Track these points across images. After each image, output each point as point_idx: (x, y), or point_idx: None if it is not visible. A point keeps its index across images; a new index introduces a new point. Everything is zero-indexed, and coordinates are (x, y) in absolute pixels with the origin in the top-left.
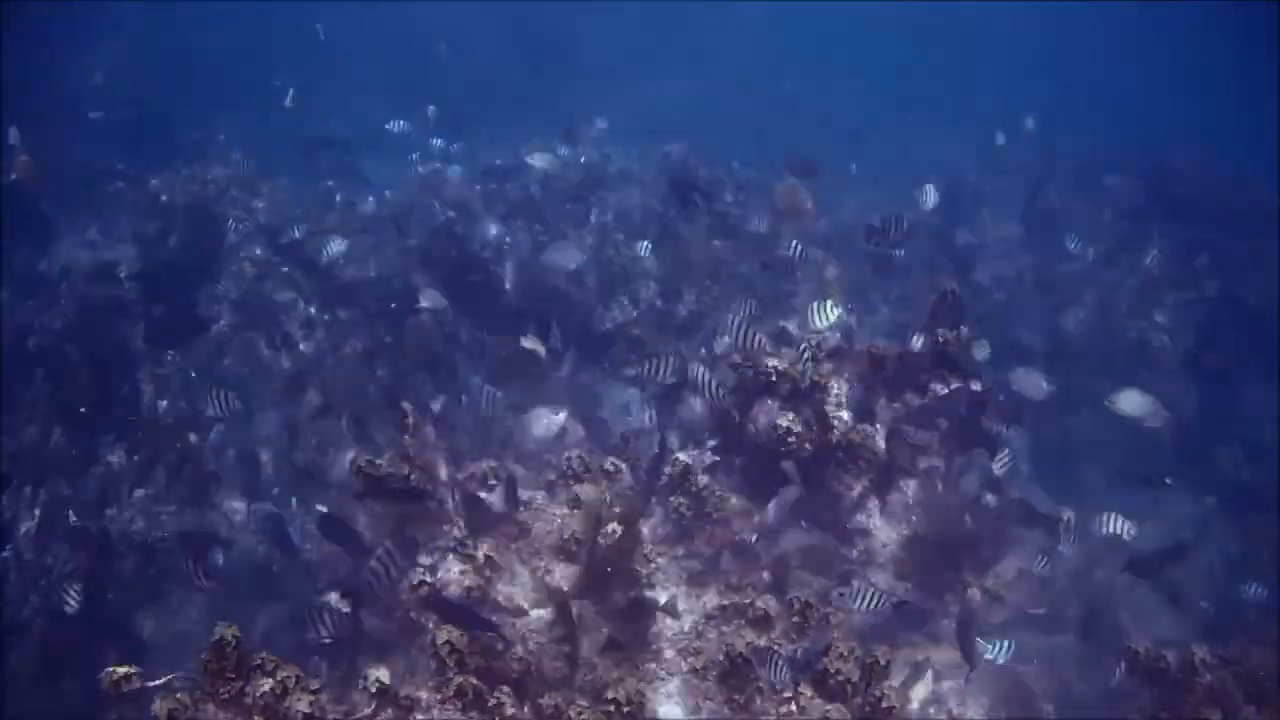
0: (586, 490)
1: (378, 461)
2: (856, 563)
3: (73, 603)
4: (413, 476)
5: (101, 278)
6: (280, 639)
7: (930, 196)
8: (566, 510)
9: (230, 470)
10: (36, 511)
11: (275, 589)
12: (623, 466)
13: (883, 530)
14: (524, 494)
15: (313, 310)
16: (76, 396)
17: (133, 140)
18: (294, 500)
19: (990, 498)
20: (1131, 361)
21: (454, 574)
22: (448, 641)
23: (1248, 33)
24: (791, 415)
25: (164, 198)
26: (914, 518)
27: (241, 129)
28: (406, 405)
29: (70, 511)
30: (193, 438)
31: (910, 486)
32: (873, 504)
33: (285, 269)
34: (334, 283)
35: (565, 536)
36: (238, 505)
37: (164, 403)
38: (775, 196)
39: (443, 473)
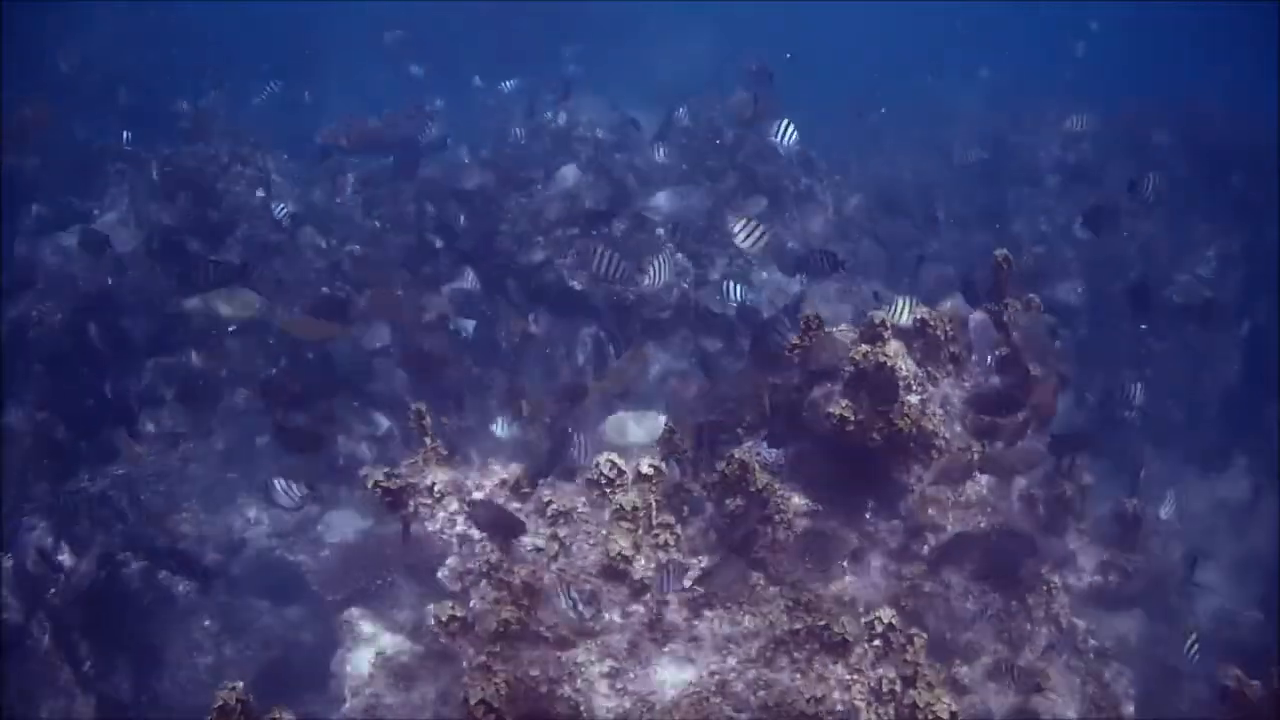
0: (628, 499)
1: (396, 473)
2: (927, 560)
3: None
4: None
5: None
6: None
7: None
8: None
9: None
10: (38, 516)
11: (290, 591)
12: (661, 466)
13: (955, 525)
14: (561, 501)
15: None
16: (78, 391)
17: (134, 121)
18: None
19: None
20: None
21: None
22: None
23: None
24: (846, 402)
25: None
26: (988, 511)
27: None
28: (420, 406)
29: (76, 515)
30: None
31: (984, 477)
32: (946, 495)
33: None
34: None
35: (612, 554)
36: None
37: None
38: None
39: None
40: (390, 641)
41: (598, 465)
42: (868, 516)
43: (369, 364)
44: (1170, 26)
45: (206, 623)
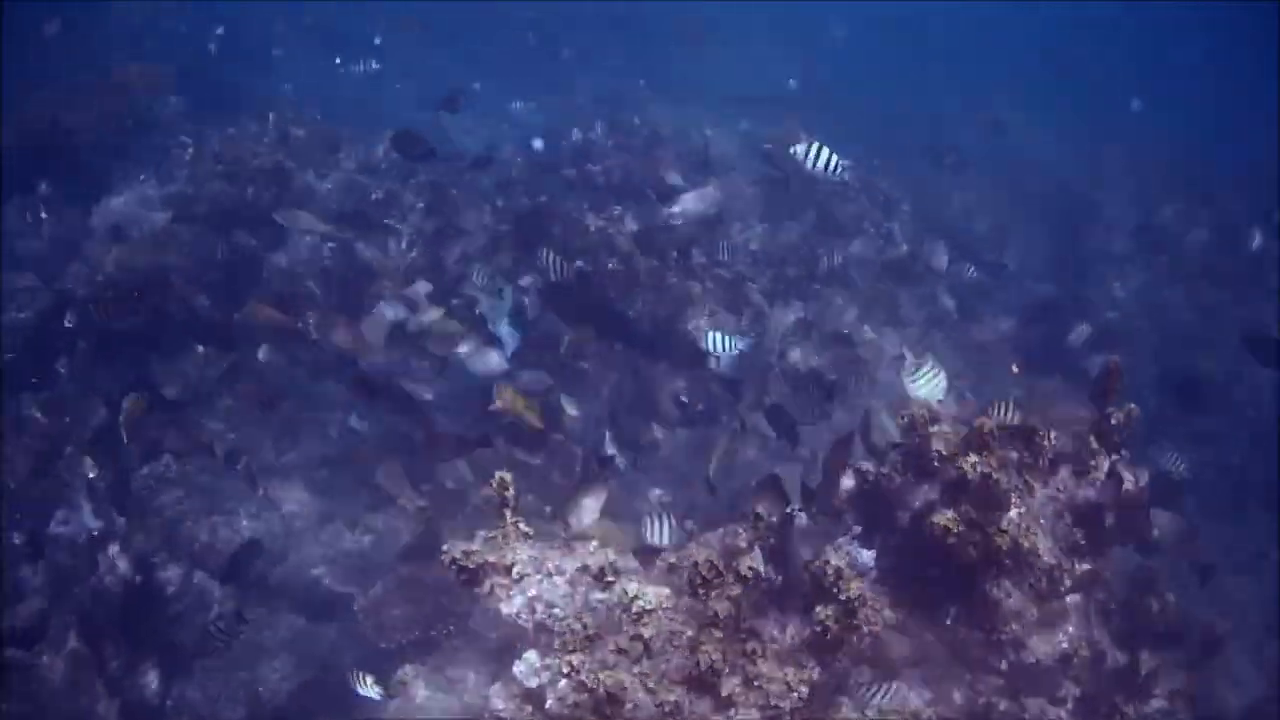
0: (724, 607)
1: (475, 551)
2: (1007, 676)
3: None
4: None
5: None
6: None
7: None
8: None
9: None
10: (70, 511)
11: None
12: (761, 569)
13: (1040, 645)
14: (645, 597)
15: None
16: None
17: (198, 91)
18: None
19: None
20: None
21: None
22: None
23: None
24: (951, 514)
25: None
26: (1070, 629)
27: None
28: (504, 476)
29: (115, 509)
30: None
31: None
32: (1031, 613)
33: None
34: None
35: (704, 667)
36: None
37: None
38: None
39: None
40: None
41: (696, 564)
42: (948, 623)
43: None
44: (1170, 27)
45: (242, 635)
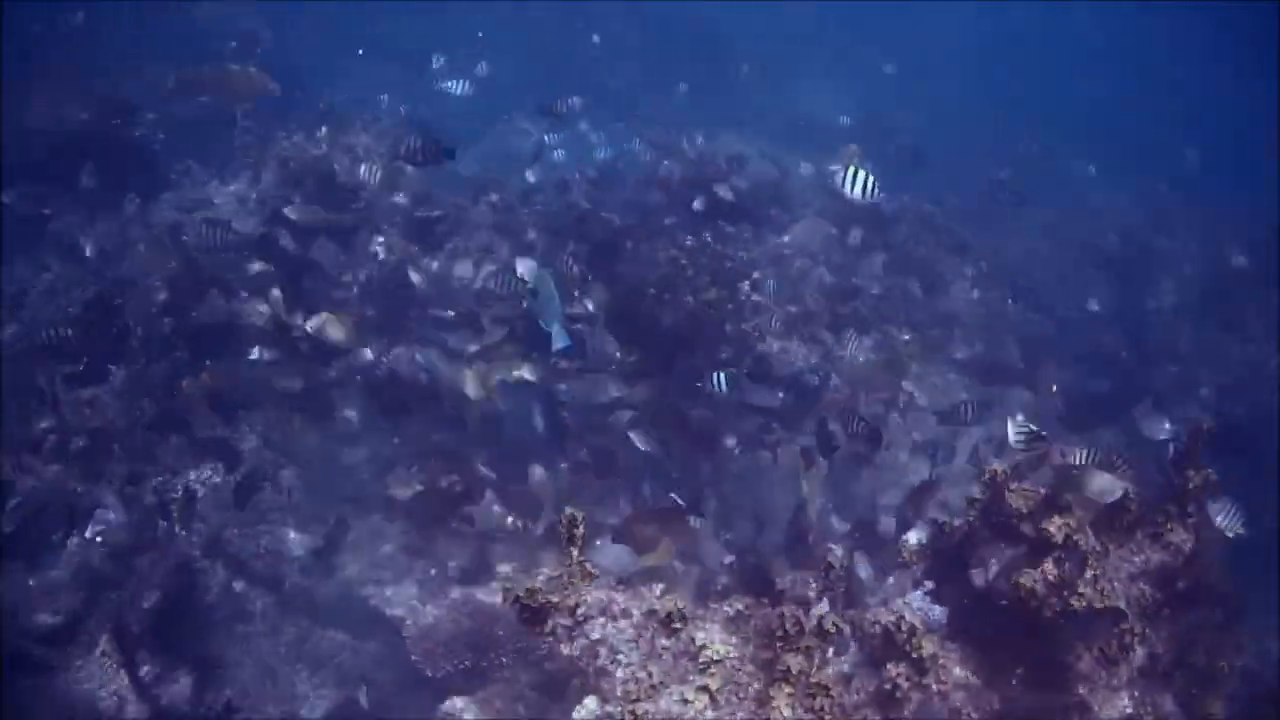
0: (798, 662)
1: (539, 589)
2: None
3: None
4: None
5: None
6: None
7: None
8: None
9: None
10: (110, 510)
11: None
12: (844, 628)
13: (1107, 710)
14: (714, 646)
15: None
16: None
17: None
18: None
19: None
20: None
21: None
22: None
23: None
24: (1035, 574)
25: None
26: (1137, 693)
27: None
28: (575, 513)
29: (155, 515)
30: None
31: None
32: (1100, 676)
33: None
34: None
35: None
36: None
37: None
38: None
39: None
40: None
41: (780, 617)
42: (1014, 683)
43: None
44: (1170, 27)
45: (282, 649)
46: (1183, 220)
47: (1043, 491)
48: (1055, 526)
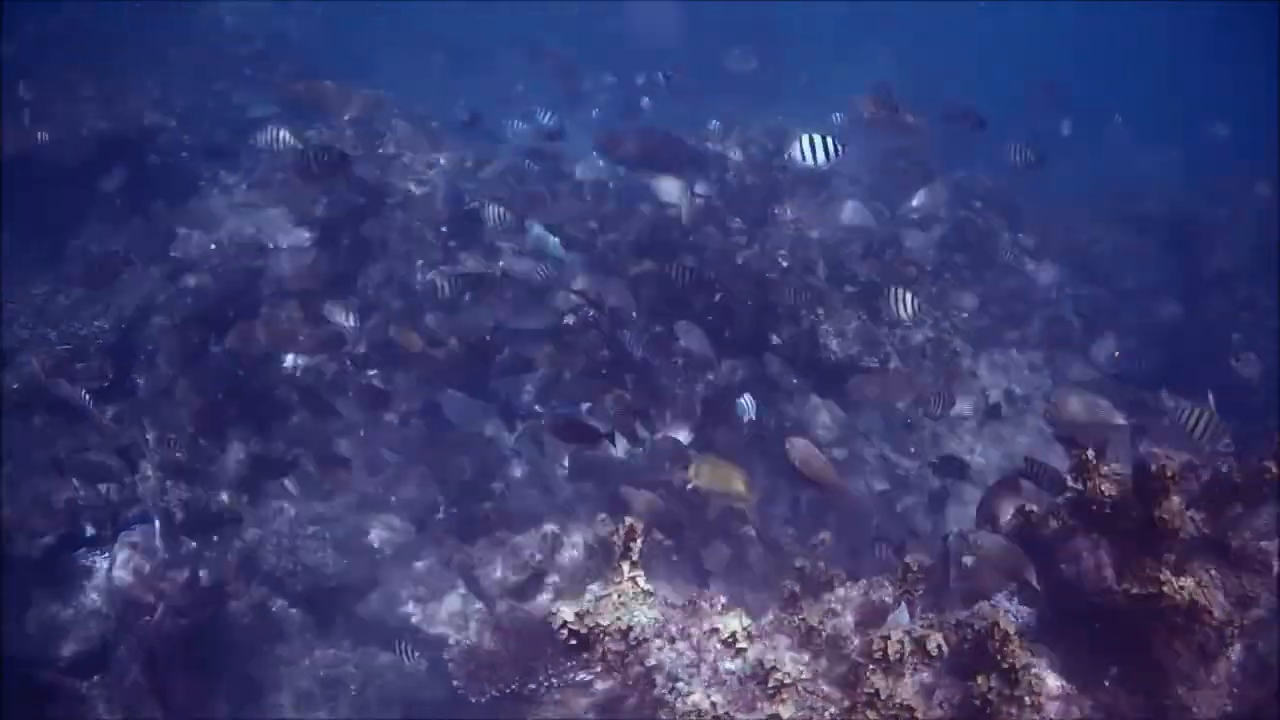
0: (885, 685)
1: (588, 613)
2: None
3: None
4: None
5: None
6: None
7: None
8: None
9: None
10: (140, 533)
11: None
12: (943, 644)
13: (1205, 709)
14: (785, 666)
15: None
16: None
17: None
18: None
19: None
20: None
21: None
22: None
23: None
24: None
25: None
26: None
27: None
28: (635, 524)
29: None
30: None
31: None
32: (1199, 675)
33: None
34: None
35: None
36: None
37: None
38: None
39: None
40: None
41: (884, 641)
42: (1107, 684)
43: None
44: (1170, 27)
45: (322, 673)
46: (1220, 188)
47: (1132, 476)
48: (1165, 513)
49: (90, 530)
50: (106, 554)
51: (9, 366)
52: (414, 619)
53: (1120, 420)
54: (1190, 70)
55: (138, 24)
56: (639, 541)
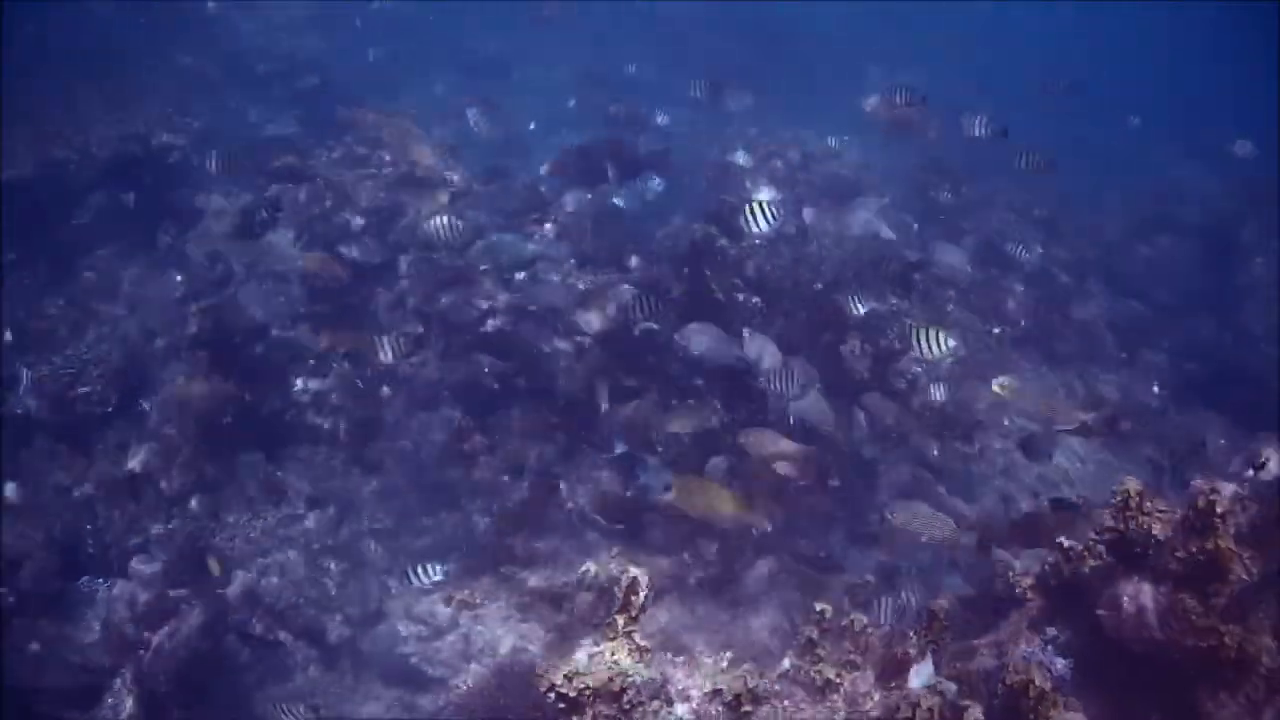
0: None
1: (578, 674)
2: None
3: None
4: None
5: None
6: None
7: None
8: None
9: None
10: (142, 563)
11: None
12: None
13: None
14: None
15: None
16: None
17: (310, 108)
18: None
19: None
20: None
21: None
22: None
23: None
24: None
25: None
26: None
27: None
28: (638, 576)
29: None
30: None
31: None
32: None
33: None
34: None
35: None
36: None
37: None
38: None
39: None
40: None
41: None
42: None
43: None
44: (1169, 27)
45: (323, 709)
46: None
47: (1180, 512)
48: (1217, 554)
49: (94, 558)
50: (108, 584)
51: (13, 391)
52: (413, 659)
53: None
54: (1190, 70)
55: (151, 33)
56: (641, 596)
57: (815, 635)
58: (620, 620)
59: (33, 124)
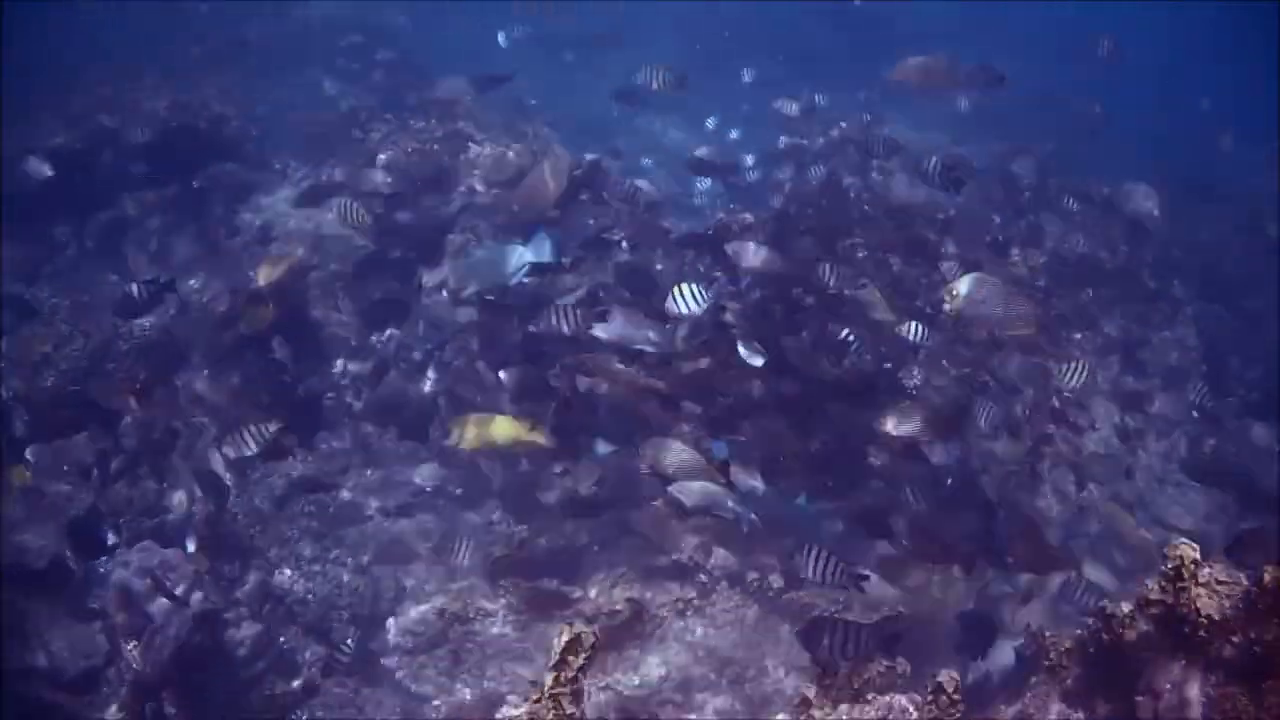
0: None
1: None
2: None
3: None
4: None
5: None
6: None
7: None
8: None
9: None
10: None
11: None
12: None
13: None
14: None
15: None
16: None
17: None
18: None
19: None
20: None
21: None
22: None
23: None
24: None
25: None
26: None
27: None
28: (585, 634)
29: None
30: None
31: None
32: None
33: None
34: None
35: None
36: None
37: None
38: None
39: None
40: None
41: None
42: None
43: None
44: (1169, 27)
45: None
46: None
47: (1245, 585)
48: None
49: (110, 540)
50: (114, 567)
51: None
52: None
53: None
54: (1191, 69)
55: (216, 20)
56: (582, 657)
57: (811, 695)
58: (549, 679)
59: (85, 93)
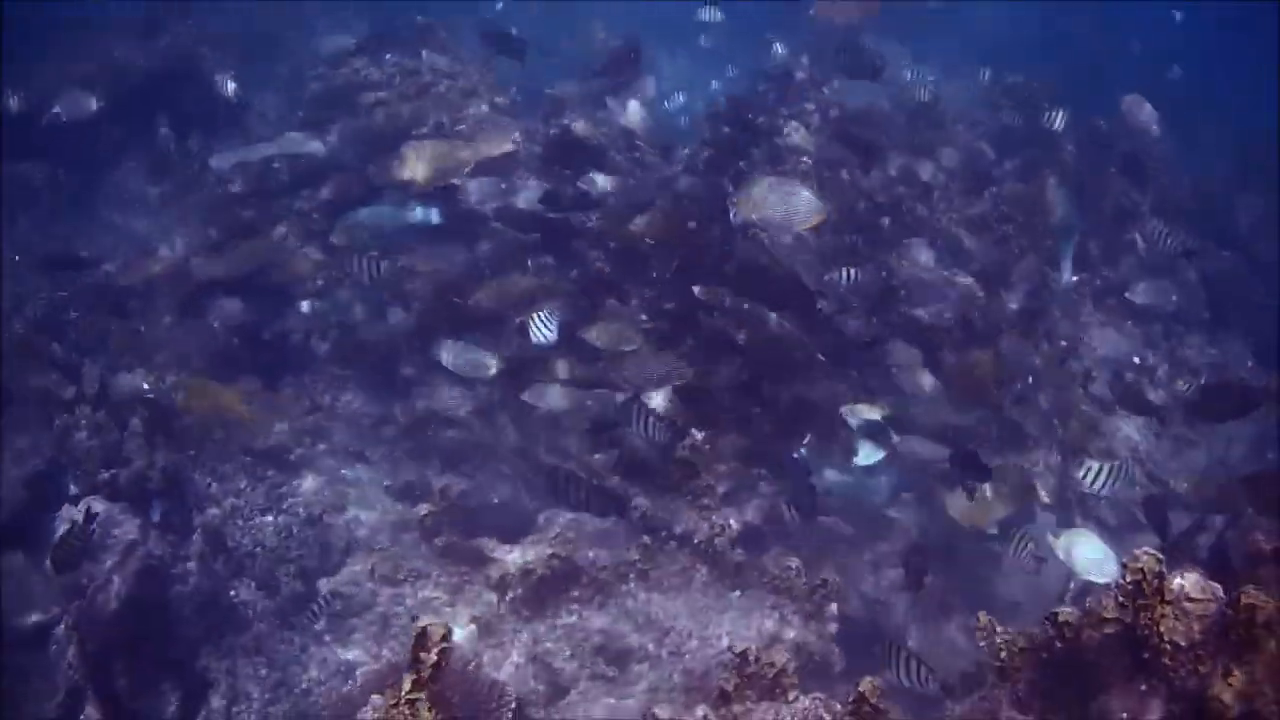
0: None
1: None
2: None
3: None
4: None
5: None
6: None
7: None
8: None
9: None
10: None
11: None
12: None
13: None
14: None
15: None
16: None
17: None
18: None
19: None
20: None
21: None
22: None
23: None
24: None
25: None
26: None
27: None
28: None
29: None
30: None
31: None
32: None
33: None
34: None
35: None
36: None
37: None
38: None
39: None
40: None
41: None
42: None
43: None
44: (1168, 26)
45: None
46: None
47: (1219, 605)
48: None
49: (74, 490)
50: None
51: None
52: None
53: None
54: (1190, 70)
55: None
56: (434, 653)
57: (730, 687)
58: (407, 682)
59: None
